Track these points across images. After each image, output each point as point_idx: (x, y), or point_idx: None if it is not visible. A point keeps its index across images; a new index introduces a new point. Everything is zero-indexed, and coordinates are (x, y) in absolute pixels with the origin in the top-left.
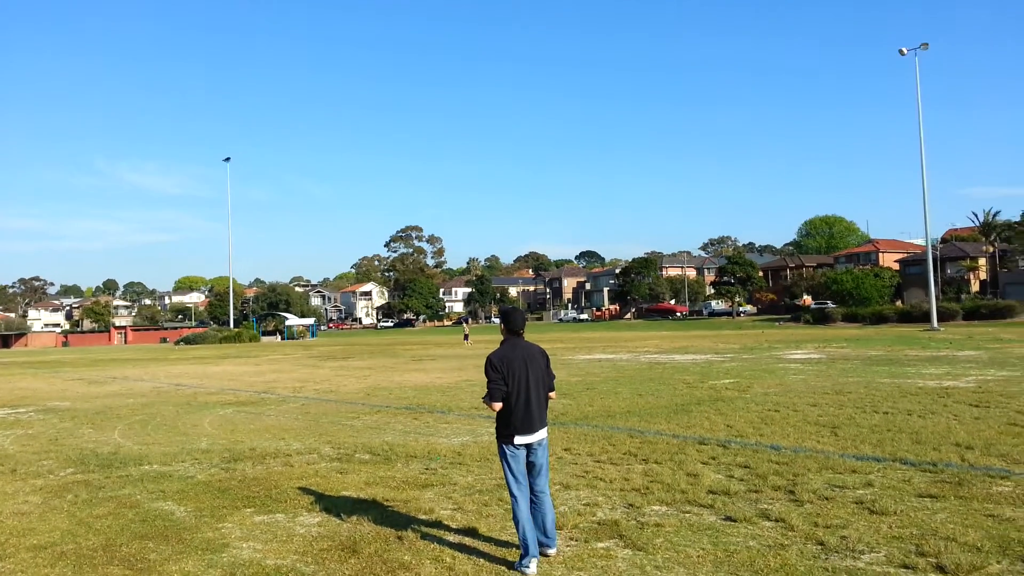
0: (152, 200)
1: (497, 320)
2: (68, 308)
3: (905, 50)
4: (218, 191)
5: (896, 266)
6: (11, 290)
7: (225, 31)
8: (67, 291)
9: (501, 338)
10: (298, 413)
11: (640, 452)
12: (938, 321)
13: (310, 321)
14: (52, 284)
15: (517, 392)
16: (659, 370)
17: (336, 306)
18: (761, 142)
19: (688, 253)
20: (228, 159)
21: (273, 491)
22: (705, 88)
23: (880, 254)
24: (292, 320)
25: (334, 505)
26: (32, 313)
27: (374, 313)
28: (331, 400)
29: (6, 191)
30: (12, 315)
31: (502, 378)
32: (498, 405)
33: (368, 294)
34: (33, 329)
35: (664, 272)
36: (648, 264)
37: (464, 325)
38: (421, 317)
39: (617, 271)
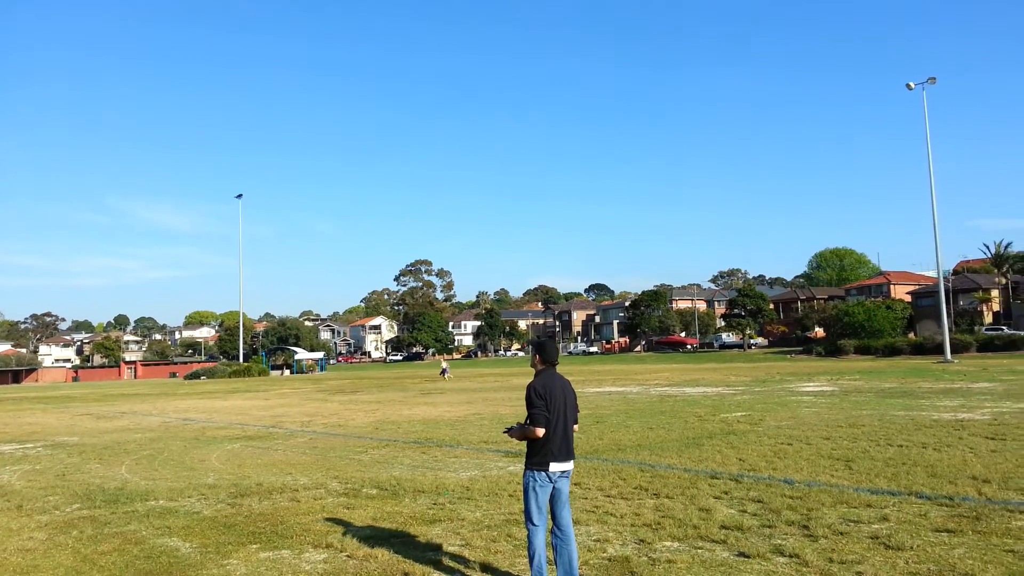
0: (164, 237)
1: (521, 352)
2: (79, 343)
3: (913, 84)
4: (228, 227)
5: (908, 298)
6: (23, 326)
7: (223, 64)
8: (78, 326)
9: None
10: (306, 447)
11: (651, 486)
12: (951, 353)
13: (319, 355)
14: (63, 320)
15: (556, 420)
16: (670, 403)
17: (346, 340)
18: (770, 174)
19: (698, 286)
20: (240, 196)
21: (279, 527)
22: (712, 120)
23: (892, 286)
24: (301, 354)
25: (340, 541)
26: (43, 348)
27: (383, 347)
28: (339, 434)
29: (18, 227)
30: (23, 350)
31: (545, 405)
32: (541, 431)
33: (377, 328)
34: (44, 364)
35: (674, 305)
36: (658, 297)
37: (441, 359)
38: (430, 350)
39: (627, 304)
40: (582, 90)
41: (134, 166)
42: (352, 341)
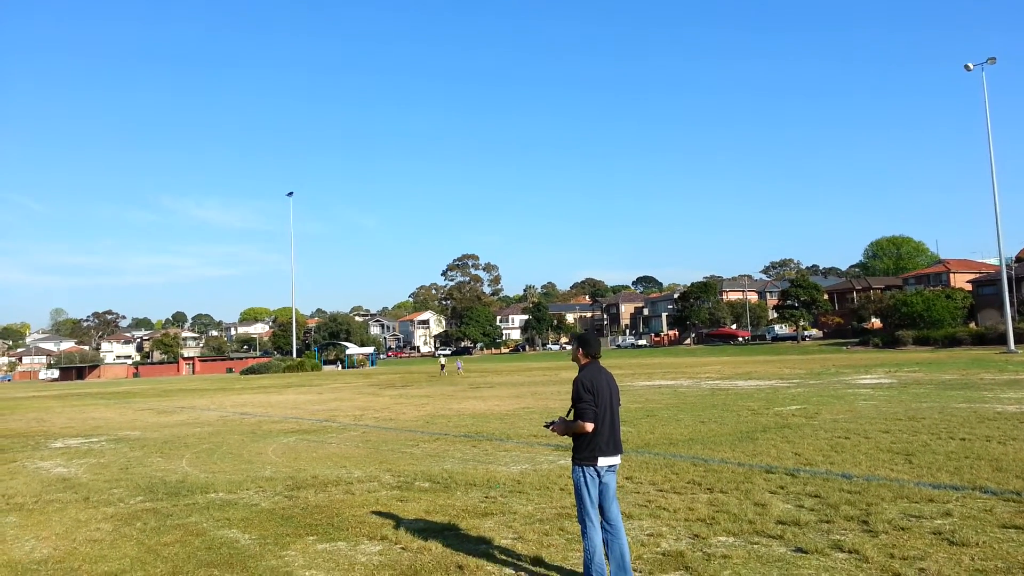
0: (217, 235)
1: (561, 346)
2: (139, 340)
3: (971, 65)
4: (277, 224)
5: (968, 287)
6: (85, 323)
7: (269, 66)
8: (138, 324)
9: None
10: (359, 441)
11: (704, 481)
12: (1015, 343)
13: (370, 350)
14: (124, 317)
15: (603, 414)
16: (722, 396)
17: (395, 335)
18: (823, 163)
19: (749, 277)
20: (291, 193)
21: (335, 519)
22: (766, 110)
23: (951, 275)
24: (352, 349)
25: (395, 533)
26: (105, 345)
27: (432, 341)
28: (391, 428)
29: (77, 228)
30: (86, 347)
31: (593, 399)
32: (590, 425)
33: (426, 322)
34: (106, 361)
35: (724, 296)
36: (707, 288)
37: (440, 356)
38: (478, 345)
39: (675, 296)
40: (631, 83)
41: (184, 166)
42: (401, 336)
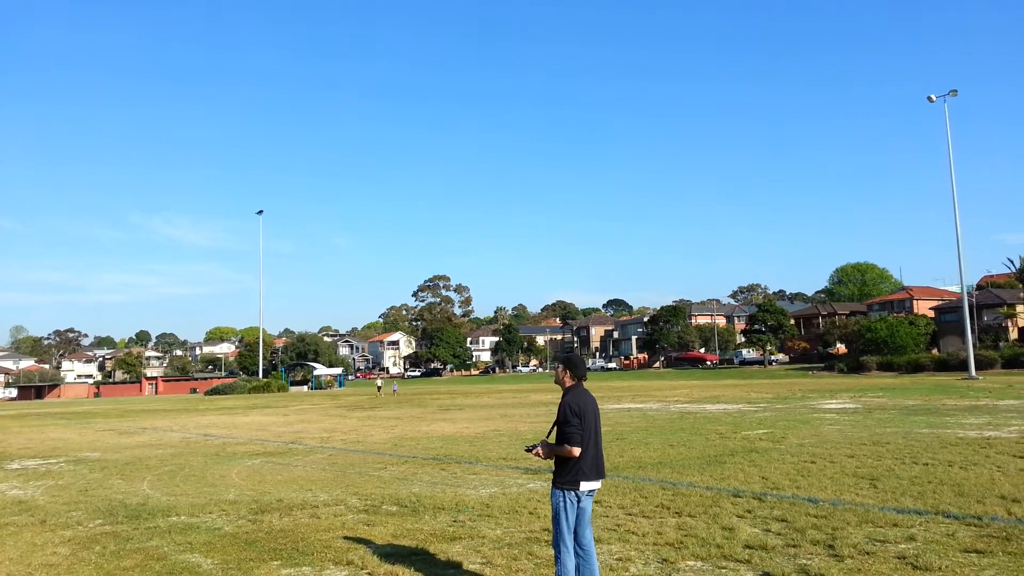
0: (183, 253)
1: (540, 368)
2: (101, 359)
3: (934, 97)
4: (246, 243)
5: (931, 313)
6: (46, 341)
7: (238, 82)
8: (101, 342)
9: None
10: (325, 464)
11: (673, 505)
12: (976, 370)
13: (338, 371)
14: (86, 336)
15: (588, 438)
16: (690, 420)
17: (364, 356)
18: (789, 189)
19: (717, 301)
20: (261, 212)
21: (300, 544)
22: (730, 134)
23: (914, 301)
24: (320, 370)
25: (361, 558)
26: (66, 364)
27: (402, 362)
28: (358, 451)
29: (40, 243)
30: (46, 366)
31: (580, 423)
32: (577, 450)
33: (396, 343)
34: (66, 380)
35: (693, 320)
36: (677, 312)
37: (377, 379)
38: (448, 366)
39: (645, 319)
40: (597, 104)
41: (152, 183)
42: (371, 357)
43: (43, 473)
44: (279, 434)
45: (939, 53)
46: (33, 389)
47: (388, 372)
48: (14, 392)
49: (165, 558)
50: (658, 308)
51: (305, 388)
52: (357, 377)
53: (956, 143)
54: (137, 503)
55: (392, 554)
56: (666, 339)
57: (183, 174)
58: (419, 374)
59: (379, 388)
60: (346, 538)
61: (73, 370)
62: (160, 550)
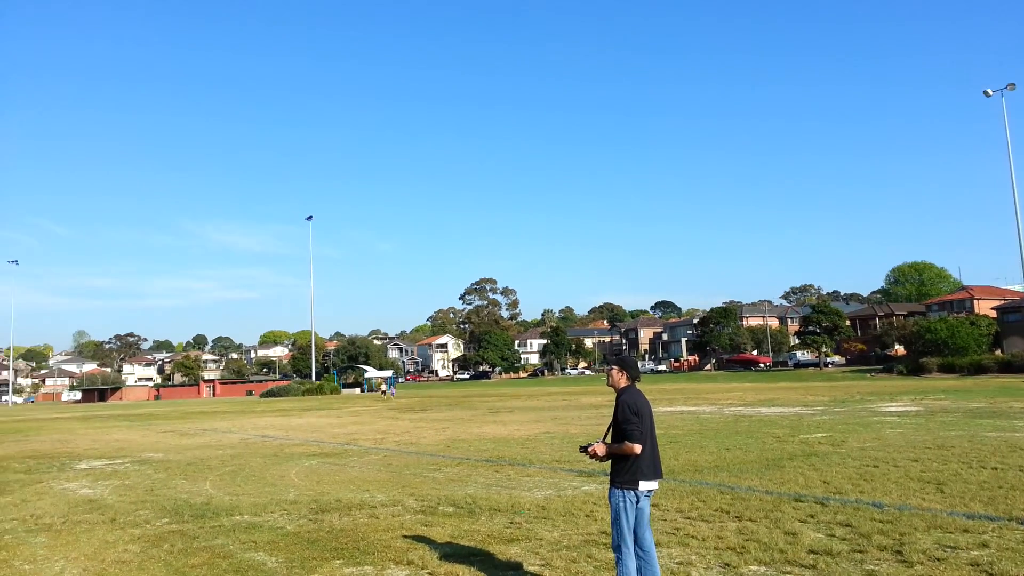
0: (237, 258)
1: (588, 370)
2: (160, 363)
3: (991, 91)
4: (295, 248)
5: (993, 313)
6: (107, 346)
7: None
8: (159, 346)
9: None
10: (380, 465)
11: (732, 509)
12: None
13: (388, 373)
14: (145, 340)
15: (646, 437)
16: (745, 423)
17: (413, 358)
18: (843, 188)
19: (769, 302)
20: (311, 217)
21: (360, 543)
22: (784, 135)
23: (975, 301)
24: (371, 372)
25: (421, 558)
26: (126, 368)
27: (450, 365)
28: (412, 452)
29: (100, 251)
30: (108, 370)
31: (640, 421)
32: (638, 447)
33: (444, 346)
34: (127, 383)
35: (744, 322)
36: (727, 314)
37: (381, 382)
38: (497, 369)
39: (695, 321)
40: (648, 107)
41: (203, 190)
42: (419, 359)
43: (110, 473)
44: (334, 435)
45: (993, 46)
46: (96, 392)
47: (437, 375)
48: (78, 395)
49: (231, 556)
50: (708, 310)
51: (357, 391)
52: (407, 379)
53: (1016, 136)
54: (201, 502)
55: (451, 555)
56: (717, 341)
57: (231, 181)
58: (468, 376)
59: (383, 392)
60: (405, 538)
61: (133, 373)
62: (226, 548)
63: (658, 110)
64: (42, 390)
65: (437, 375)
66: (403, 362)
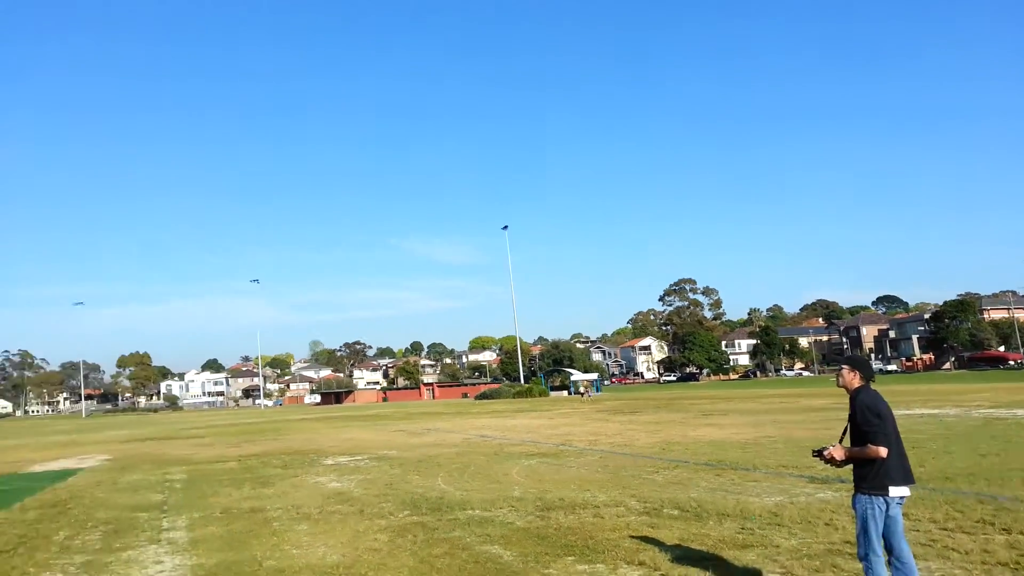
0: (442, 270)
1: (805, 372)
2: (384, 368)
3: None
4: (493, 257)
5: None
6: (339, 353)
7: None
8: (382, 352)
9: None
10: (598, 465)
11: (997, 520)
12: None
13: (594, 376)
14: (370, 347)
15: (891, 440)
16: (1000, 427)
17: (617, 361)
18: None
19: (1013, 293)
20: (506, 227)
21: (589, 541)
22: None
23: None
24: (577, 375)
25: (652, 559)
26: (356, 372)
27: (655, 367)
28: (627, 453)
29: (326, 267)
30: (341, 375)
31: (881, 422)
32: (884, 450)
33: (647, 348)
34: (358, 387)
35: (986, 315)
36: (964, 307)
37: (580, 384)
38: (704, 371)
39: (926, 316)
40: (851, 106)
41: (396, 211)
42: (623, 362)
43: (352, 468)
44: (548, 436)
45: None
46: (333, 395)
47: (642, 377)
48: (318, 398)
49: (469, 548)
50: (940, 303)
51: (564, 393)
52: (612, 382)
53: None
54: (436, 497)
55: (682, 557)
56: (955, 337)
57: (428, 200)
58: (675, 379)
59: (581, 393)
60: (632, 538)
61: (363, 378)
62: (463, 540)
63: (867, 110)
64: (287, 394)
65: (643, 377)
66: (607, 365)
